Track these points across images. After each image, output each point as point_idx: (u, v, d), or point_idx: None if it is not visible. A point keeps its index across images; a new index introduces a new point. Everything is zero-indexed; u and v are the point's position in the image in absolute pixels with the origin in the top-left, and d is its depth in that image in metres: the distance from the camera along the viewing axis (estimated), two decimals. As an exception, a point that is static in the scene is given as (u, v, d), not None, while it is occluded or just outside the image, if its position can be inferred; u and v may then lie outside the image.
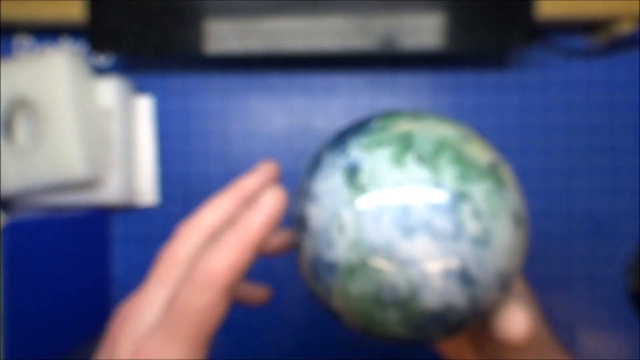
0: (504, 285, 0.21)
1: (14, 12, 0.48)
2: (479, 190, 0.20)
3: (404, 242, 0.19)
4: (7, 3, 0.48)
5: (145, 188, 0.53)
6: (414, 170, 0.20)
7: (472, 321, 0.21)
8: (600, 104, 0.51)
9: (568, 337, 0.51)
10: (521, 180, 0.51)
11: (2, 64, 0.46)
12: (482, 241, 0.20)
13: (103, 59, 0.53)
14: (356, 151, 0.21)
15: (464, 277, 0.19)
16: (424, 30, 0.45)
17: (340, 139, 0.22)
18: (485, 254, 0.20)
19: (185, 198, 0.53)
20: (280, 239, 0.27)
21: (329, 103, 0.52)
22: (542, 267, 0.51)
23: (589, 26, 0.51)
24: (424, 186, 0.20)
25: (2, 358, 0.37)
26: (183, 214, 0.53)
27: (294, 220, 0.23)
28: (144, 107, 0.53)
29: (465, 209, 0.19)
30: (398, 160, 0.20)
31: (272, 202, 0.20)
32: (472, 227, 0.19)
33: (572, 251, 0.51)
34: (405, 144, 0.20)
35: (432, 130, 0.21)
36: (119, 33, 0.46)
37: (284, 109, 0.53)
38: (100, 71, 0.53)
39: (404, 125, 0.22)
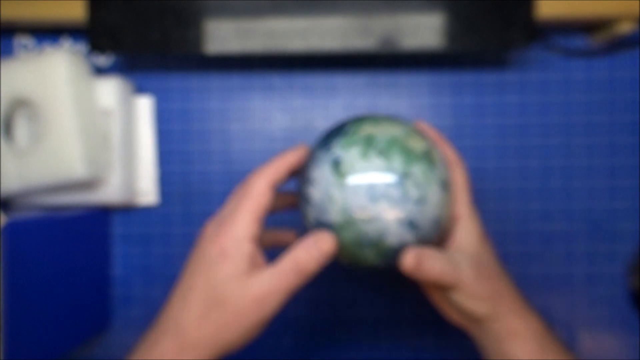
0: (438, 227, 0.32)
1: (14, 12, 0.48)
2: (417, 169, 0.31)
3: (371, 206, 0.30)
4: (7, 3, 0.47)
5: (145, 188, 0.53)
6: (375, 161, 0.31)
7: None
8: (600, 104, 0.51)
9: (568, 337, 0.51)
10: (521, 180, 0.51)
11: (2, 63, 0.46)
12: (420, 201, 0.31)
13: (103, 59, 0.53)
14: (337, 150, 0.32)
15: (411, 224, 0.31)
16: (424, 30, 0.45)
17: (326, 141, 0.33)
18: (424, 209, 0.31)
19: (185, 198, 0.53)
20: (285, 198, 0.39)
21: (329, 103, 0.52)
22: (542, 267, 0.51)
23: (589, 26, 0.51)
24: (381, 171, 0.31)
25: (2, 358, 0.37)
26: (183, 214, 0.53)
27: (299, 197, 0.34)
28: (144, 107, 0.53)
29: (409, 183, 0.31)
30: (364, 155, 0.31)
31: (299, 149, 0.34)
32: (413, 193, 0.31)
33: (572, 251, 0.51)
34: (369, 143, 0.32)
35: (386, 131, 0.32)
36: (119, 33, 0.46)
37: (284, 109, 0.53)
38: (100, 71, 0.53)
39: (367, 130, 0.32)
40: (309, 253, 0.31)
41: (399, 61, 0.52)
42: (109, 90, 0.49)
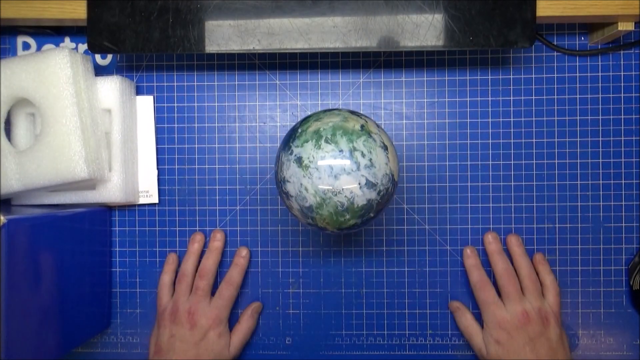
0: (391, 179, 0.40)
1: (14, 12, 0.48)
2: (360, 143, 0.38)
3: (336, 182, 0.38)
4: (9, 3, 0.48)
5: (146, 187, 0.53)
6: (327, 147, 0.38)
7: (385, 203, 0.41)
8: (600, 103, 0.51)
9: (568, 336, 0.51)
10: (521, 179, 0.51)
11: (3, 63, 0.46)
12: (370, 165, 0.38)
13: (103, 59, 0.54)
14: (296, 150, 0.39)
15: (369, 184, 0.38)
16: (424, 30, 0.45)
17: (286, 145, 0.40)
18: (374, 170, 0.38)
19: (186, 197, 0.53)
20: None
21: (329, 103, 0.53)
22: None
23: (589, 26, 0.51)
24: (334, 153, 0.38)
25: (2, 358, 0.37)
26: (182, 212, 0.53)
27: (281, 195, 0.42)
28: (145, 107, 0.53)
29: (357, 154, 0.38)
30: (318, 146, 0.38)
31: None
32: (363, 161, 0.38)
33: (573, 250, 0.51)
34: (318, 136, 0.39)
35: (328, 122, 0.39)
36: (119, 32, 0.46)
37: (284, 109, 0.53)
38: (100, 71, 0.53)
39: (313, 126, 0.40)
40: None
41: (399, 61, 0.52)
42: (110, 90, 0.49)
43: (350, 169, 0.38)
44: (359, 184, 0.38)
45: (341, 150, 0.38)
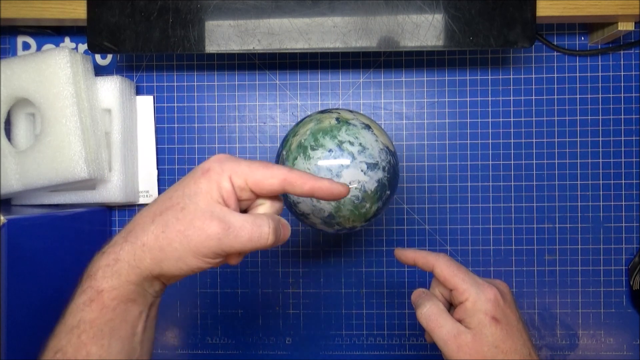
0: (388, 151, 0.41)
1: (14, 12, 0.48)
2: (343, 134, 0.39)
3: (340, 180, 0.38)
4: (8, 3, 0.48)
5: (146, 187, 0.53)
6: (316, 154, 0.39)
7: (395, 176, 0.41)
8: (600, 103, 0.51)
9: (568, 337, 0.51)
10: (521, 179, 0.51)
11: (3, 63, 0.46)
12: (363, 149, 0.39)
13: (103, 59, 0.54)
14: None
15: (371, 166, 0.39)
16: (424, 30, 0.45)
17: None
18: (369, 151, 0.39)
19: (186, 198, 0.53)
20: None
21: (329, 103, 0.52)
22: (544, 266, 0.51)
23: (589, 26, 0.51)
24: (325, 155, 0.38)
25: (2, 358, 0.37)
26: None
27: (298, 217, 0.42)
28: (145, 106, 0.53)
29: (346, 146, 0.39)
30: (307, 157, 0.39)
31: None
32: (354, 149, 0.39)
33: (573, 250, 0.51)
34: (303, 148, 0.39)
35: (306, 132, 0.40)
36: (119, 32, 0.46)
37: (284, 109, 0.53)
38: (100, 71, 0.53)
39: (294, 142, 0.40)
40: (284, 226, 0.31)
41: (399, 61, 0.52)
42: (110, 90, 0.49)
43: (347, 162, 0.38)
44: (362, 170, 0.38)
45: (330, 150, 0.38)
